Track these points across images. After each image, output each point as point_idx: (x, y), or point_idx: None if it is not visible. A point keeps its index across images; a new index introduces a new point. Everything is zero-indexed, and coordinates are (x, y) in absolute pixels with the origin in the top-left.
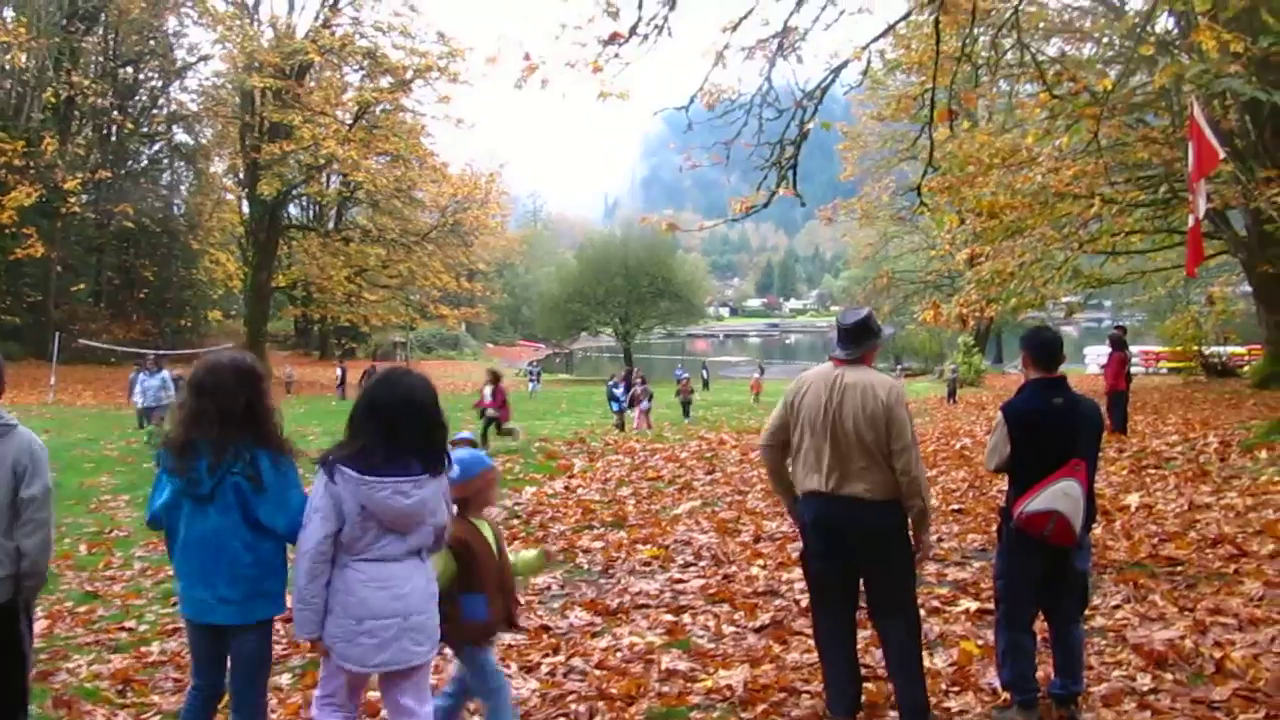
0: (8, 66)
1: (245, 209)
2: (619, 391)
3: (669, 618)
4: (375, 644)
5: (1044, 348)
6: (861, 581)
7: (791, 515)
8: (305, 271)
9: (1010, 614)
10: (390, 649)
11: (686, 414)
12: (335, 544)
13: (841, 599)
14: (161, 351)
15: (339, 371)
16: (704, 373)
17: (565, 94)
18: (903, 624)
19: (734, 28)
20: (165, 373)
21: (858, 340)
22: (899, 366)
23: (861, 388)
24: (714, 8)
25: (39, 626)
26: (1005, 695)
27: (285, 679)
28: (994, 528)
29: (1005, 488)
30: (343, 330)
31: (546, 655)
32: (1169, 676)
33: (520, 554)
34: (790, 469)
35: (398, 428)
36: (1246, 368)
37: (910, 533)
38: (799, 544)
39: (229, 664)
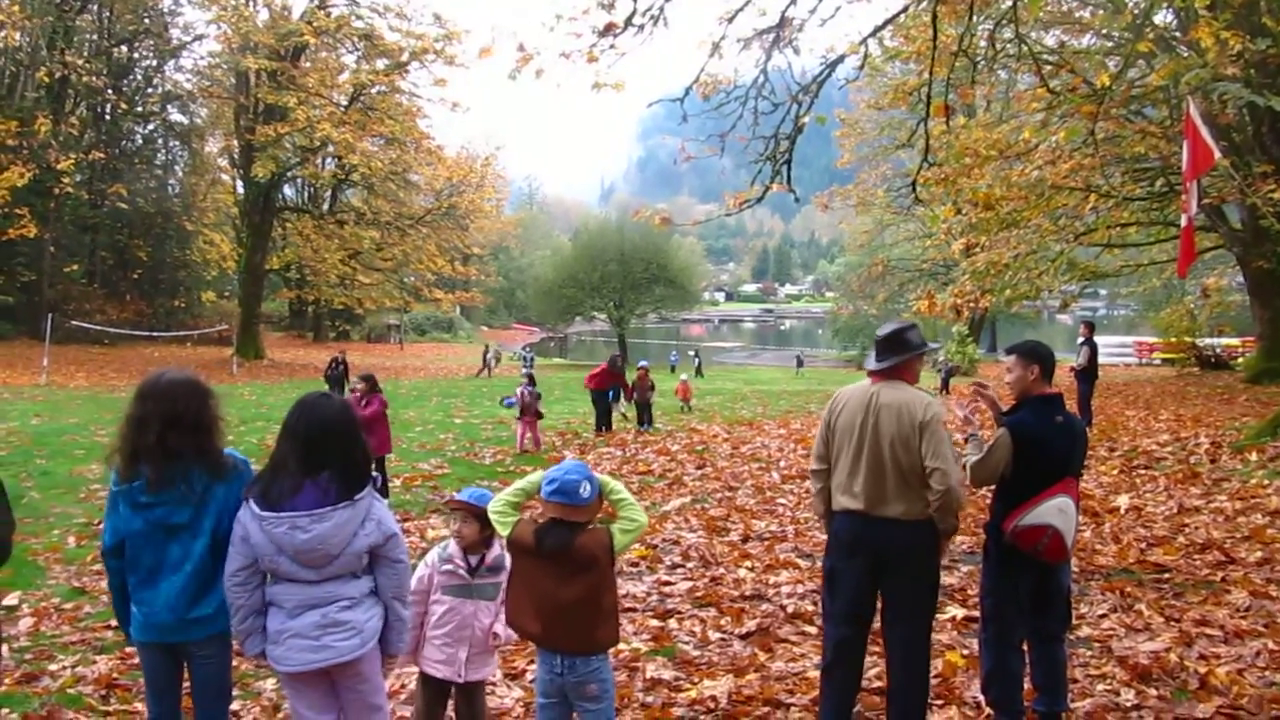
0: (1, 45)
1: (240, 190)
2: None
3: (655, 623)
4: (303, 645)
5: (1051, 362)
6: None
7: (828, 532)
8: (299, 254)
9: (998, 633)
10: (319, 650)
11: (646, 421)
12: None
13: (859, 616)
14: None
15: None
16: (696, 359)
17: (560, 84)
18: (916, 628)
19: (730, 19)
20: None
21: (891, 350)
22: None
23: (898, 408)
24: None
25: (25, 624)
26: (989, 712)
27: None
28: (981, 526)
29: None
30: (337, 313)
31: (532, 662)
32: (1153, 692)
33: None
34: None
35: (313, 452)
36: (1240, 360)
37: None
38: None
39: (192, 688)
